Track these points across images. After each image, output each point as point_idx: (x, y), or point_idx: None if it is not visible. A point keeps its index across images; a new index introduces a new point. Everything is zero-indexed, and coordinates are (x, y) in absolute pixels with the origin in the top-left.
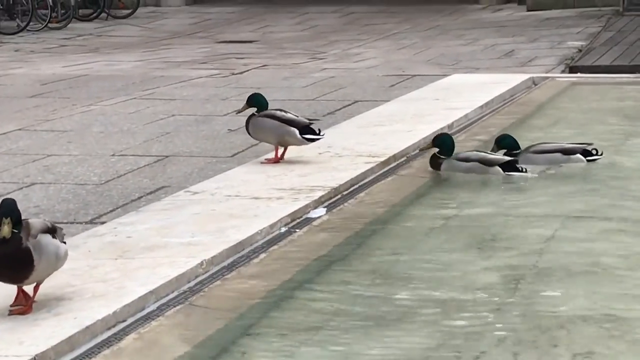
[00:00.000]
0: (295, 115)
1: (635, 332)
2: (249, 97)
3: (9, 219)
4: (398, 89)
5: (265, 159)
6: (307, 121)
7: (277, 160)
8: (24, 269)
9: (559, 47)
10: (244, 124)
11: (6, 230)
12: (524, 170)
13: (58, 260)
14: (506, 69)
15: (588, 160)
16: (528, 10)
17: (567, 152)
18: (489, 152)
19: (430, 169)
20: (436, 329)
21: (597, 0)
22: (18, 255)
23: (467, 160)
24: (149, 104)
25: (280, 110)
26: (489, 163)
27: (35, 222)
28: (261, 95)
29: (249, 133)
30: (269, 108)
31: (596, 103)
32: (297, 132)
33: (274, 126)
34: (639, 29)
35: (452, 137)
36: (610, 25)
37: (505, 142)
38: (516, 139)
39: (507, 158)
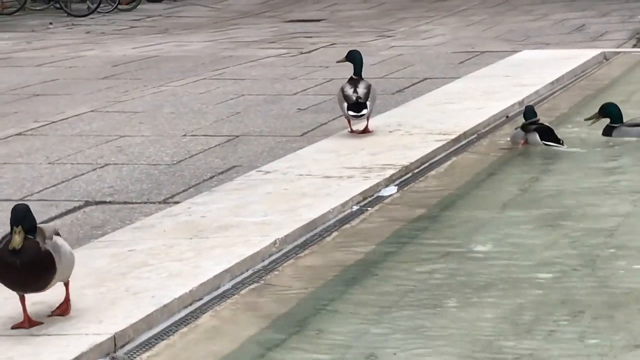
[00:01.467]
0: (352, 92)
1: None
2: (348, 52)
3: (19, 227)
4: (467, 66)
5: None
6: (354, 99)
7: (351, 131)
8: (46, 273)
9: (630, 21)
10: (332, 89)
11: (17, 240)
12: None
13: (72, 258)
14: (576, 44)
15: None
16: None
17: None
18: None
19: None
20: (510, 302)
21: None
22: (39, 260)
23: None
24: (219, 84)
25: (354, 84)
26: None
27: (46, 226)
28: (359, 52)
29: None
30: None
31: None
32: (346, 106)
33: (339, 99)
34: None
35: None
36: None
37: (608, 111)
38: (620, 110)
39: None
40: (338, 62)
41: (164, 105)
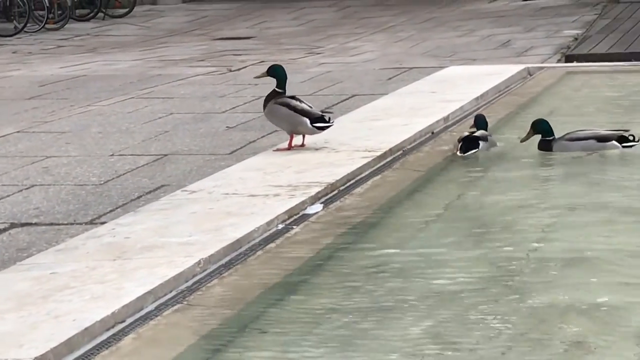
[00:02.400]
0: (310, 106)
1: (627, 323)
2: (269, 67)
3: None
4: (395, 82)
5: (277, 148)
6: (320, 113)
7: (290, 148)
8: None
9: (555, 36)
10: (261, 107)
11: None
12: (637, 139)
13: None
14: (503, 60)
15: (623, 147)
16: (524, 0)
17: (602, 139)
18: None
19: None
20: (432, 321)
21: None
22: None
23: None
24: (147, 103)
25: (296, 99)
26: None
27: None
28: (281, 67)
29: (264, 113)
30: (286, 94)
31: (591, 92)
32: (308, 122)
33: (287, 115)
34: (635, 16)
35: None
36: (606, 13)
37: (541, 127)
38: (550, 125)
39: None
40: (257, 77)
41: (92, 125)
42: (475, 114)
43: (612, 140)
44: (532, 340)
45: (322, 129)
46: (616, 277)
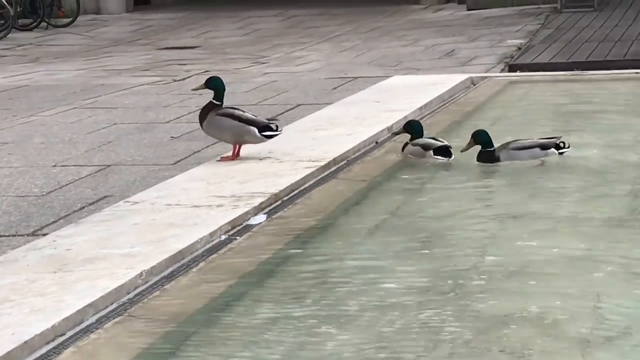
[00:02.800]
0: (254, 115)
1: (567, 331)
2: (207, 79)
3: None
4: (340, 92)
5: (221, 157)
6: (266, 121)
7: (234, 158)
8: None
9: (499, 45)
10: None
11: None
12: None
13: None
14: (447, 69)
15: (560, 153)
16: (468, 10)
17: (544, 147)
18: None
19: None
20: (374, 332)
21: None
22: None
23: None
24: (91, 113)
25: (237, 108)
26: (546, 147)
27: None
28: (220, 79)
29: (202, 127)
30: (223, 105)
31: (534, 101)
32: (256, 130)
33: (232, 126)
34: (577, 25)
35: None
36: (549, 23)
37: (481, 138)
38: (490, 136)
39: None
40: (195, 89)
41: (34, 136)
42: (408, 120)
43: (551, 147)
44: (475, 349)
45: (271, 137)
46: (558, 285)
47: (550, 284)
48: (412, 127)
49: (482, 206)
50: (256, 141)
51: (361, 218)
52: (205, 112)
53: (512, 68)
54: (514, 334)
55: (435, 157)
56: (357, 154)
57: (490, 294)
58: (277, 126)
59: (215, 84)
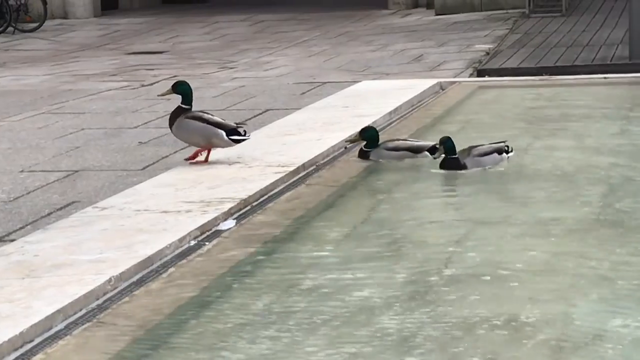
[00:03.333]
0: (222, 119)
1: (537, 336)
2: (174, 84)
3: None
4: (309, 97)
5: (189, 160)
6: (234, 124)
7: (205, 161)
8: None
9: (467, 50)
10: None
11: None
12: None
13: None
14: (415, 74)
15: (507, 158)
16: (436, 15)
17: (499, 151)
18: (411, 139)
19: (358, 158)
20: (342, 339)
21: (504, 2)
22: None
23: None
24: (58, 118)
25: (206, 112)
26: (500, 151)
27: None
28: (187, 83)
29: (171, 131)
30: (192, 109)
31: (503, 106)
32: (224, 134)
33: (200, 128)
34: (545, 30)
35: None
36: (517, 28)
37: (448, 145)
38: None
39: (432, 144)
40: (161, 95)
41: (1, 141)
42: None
43: (503, 152)
44: (446, 354)
45: (238, 141)
46: (528, 291)
47: (520, 290)
48: (369, 134)
49: (452, 211)
50: (224, 145)
51: (331, 223)
52: (174, 116)
53: (480, 73)
54: (486, 340)
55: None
56: (326, 159)
57: (461, 300)
58: (245, 131)
59: (182, 89)
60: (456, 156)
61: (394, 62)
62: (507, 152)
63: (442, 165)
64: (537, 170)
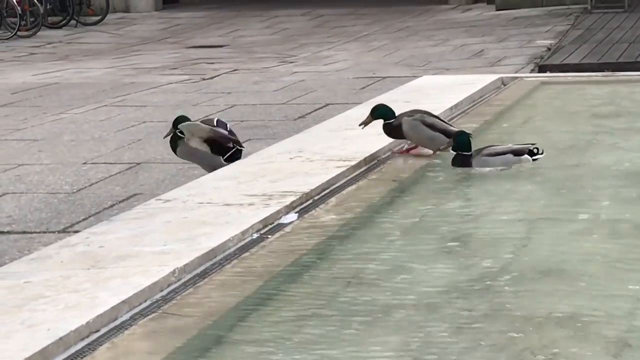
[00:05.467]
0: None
1: (601, 333)
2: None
3: None
4: (369, 92)
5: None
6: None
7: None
8: None
9: (528, 46)
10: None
11: None
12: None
13: None
14: (476, 69)
15: (533, 160)
16: (497, 10)
17: (517, 152)
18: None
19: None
20: (407, 333)
21: None
22: None
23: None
24: (120, 111)
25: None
26: (519, 153)
27: None
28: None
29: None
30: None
31: (564, 102)
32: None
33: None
34: (607, 26)
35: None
36: (579, 23)
37: (460, 140)
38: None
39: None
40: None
41: (64, 133)
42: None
43: (525, 153)
44: (509, 351)
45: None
46: (594, 287)
47: (586, 286)
48: (382, 112)
49: (514, 208)
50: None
51: (392, 218)
52: (172, 142)
53: (541, 69)
54: (550, 337)
55: (534, 158)
56: (387, 154)
57: (525, 296)
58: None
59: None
60: (469, 153)
61: (454, 57)
62: (534, 154)
63: (453, 161)
64: (601, 167)
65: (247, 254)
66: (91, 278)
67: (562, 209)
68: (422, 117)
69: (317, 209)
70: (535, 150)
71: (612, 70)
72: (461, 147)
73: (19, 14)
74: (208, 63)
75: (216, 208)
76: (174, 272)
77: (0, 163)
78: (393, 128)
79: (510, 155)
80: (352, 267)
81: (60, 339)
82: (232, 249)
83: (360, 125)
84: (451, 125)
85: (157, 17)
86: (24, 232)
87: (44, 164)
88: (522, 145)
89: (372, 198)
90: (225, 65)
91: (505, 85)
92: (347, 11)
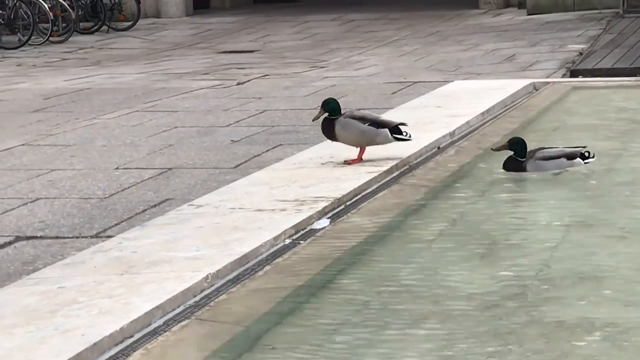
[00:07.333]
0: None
1: (635, 340)
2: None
3: None
4: (399, 97)
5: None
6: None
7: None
8: None
9: (560, 50)
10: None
11: None
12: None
13: None
14: (507, 74)
15: (585, 163)
16: (528, 14)
17: (570, 156)
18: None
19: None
20: (439, 339)
21: (597, 2)
22: None
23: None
24: (152, 116)
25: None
26: (572, 156)
27: None
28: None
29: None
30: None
31: (596, 107)
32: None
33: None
34: None
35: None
36: (611, 28)
37: (515, 146)
38: (526, 143)
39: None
40: (315, 120)
41: (96, 138)
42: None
43: (577, 157)
44: (543, 356)
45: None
46: (626, 294)
47: (620, 293)
48: (332, 107)
49: (548, 213)
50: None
51: (424, 223)
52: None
53: (573, 73)
54: (584, 343)
55: (586, 161)
56: (419, 159)
57: (559, 302)
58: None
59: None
60: (523, 159)
61: (485, 62)
62: (586, 158)
63: (504, 165)
64: (635, 173)
65: (279, 259)
66: (125, 283)
67: (595, 215)
68: (351, 113)
69: (349, 214)
70: (586, 154)
71: None
72: (518, 151)
73: (51, 20)
74: (239, 68)
75: (248, 213)
76: (207, 277)
77: (33, 168)
78: (329, 126)
79: (563, 159)
80: (385, 273)
81: (95, 344)
82: (264, 255)
83: (313, 120)
84: (381, 118)
85: (188, 22)
86: (57, 237)
87: (76, 169)
88: (573, 148)
89: (404, 204)
90: (256, 71)
91: (537, 90)
92: (378, 16)
